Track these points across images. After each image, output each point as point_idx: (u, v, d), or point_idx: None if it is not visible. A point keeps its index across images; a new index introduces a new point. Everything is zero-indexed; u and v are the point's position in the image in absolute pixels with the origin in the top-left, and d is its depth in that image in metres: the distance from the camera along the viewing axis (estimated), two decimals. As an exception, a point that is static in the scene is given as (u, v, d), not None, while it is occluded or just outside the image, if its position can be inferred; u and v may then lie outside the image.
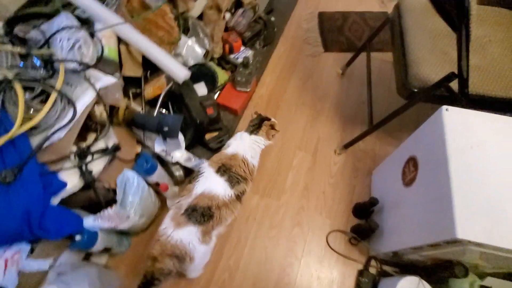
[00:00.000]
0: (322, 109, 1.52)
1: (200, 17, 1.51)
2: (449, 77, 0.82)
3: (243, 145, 1.04)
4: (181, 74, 1.17)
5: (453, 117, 0.80)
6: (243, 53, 1.59)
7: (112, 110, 1.14)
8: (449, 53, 0.96)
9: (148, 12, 1.27)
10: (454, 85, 0.85)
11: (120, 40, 1.19)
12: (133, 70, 1.21)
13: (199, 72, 1.39)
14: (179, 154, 1.19)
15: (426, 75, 0.92)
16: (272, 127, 1.10)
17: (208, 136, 1.33)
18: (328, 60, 1.71)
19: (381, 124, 1.10)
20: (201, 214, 0.87)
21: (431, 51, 0.97)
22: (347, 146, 1.33)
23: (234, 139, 1.08)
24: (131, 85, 1.29)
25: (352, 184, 1.31)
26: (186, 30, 1.46)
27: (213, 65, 1.49)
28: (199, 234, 0.86)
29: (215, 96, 1.47)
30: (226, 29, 1.62)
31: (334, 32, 1.82)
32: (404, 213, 0.92)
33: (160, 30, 1.37)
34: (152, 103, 1.27)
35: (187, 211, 0.87)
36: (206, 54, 1.48)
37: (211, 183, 0.92)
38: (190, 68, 1.38)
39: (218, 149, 1.34)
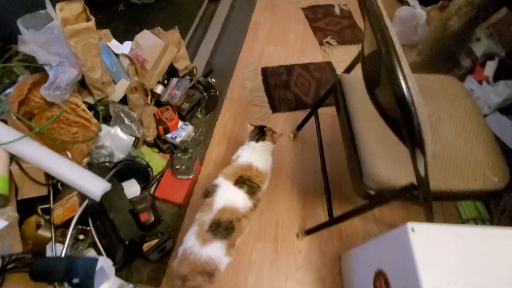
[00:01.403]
0: (277, 184, 1.37)
1: (125, 99, 1.30)
2: (409, 188, 0.71)
3: (254, 153, 1.08)
4: (98, 189, 0.95)
5: (421, 237, 0.68)
6: (182, 130, 1.40)
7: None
8: (400, 144, 0.86)
9: (54, 113, 1.04)
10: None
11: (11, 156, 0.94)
12: (33, 190, 0.96)
13: (128, 169, 1.17)
14: (107, 286, 0.95)
15: (382, 176, 0.81)
16: (273, 131, 1.17)
17: (146, 245, 1.10)
18: (278, 122, 1.59)
19: (342, 219, 0.96)
20: (225, 228, 0.89)
21: (382, 143, 0.87)
22: (309, 232, 1.18)
23: (243, 150, 1.10)
24: (38, 199, 1.04)
25: (322, 275, 1.15)
26: (108, 117, 1.25)
27: (145, 153, 1.28)
28: (225, 248, 0.88)
29: (153, 188, 1.25)
30: (160, 103, 1.43)
31: (281, 88, 1.72)
32: None
33: (72, 126, 1.14)
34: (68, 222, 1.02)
35: (211, 228, 0.88)
36: (136, 141, 1.27)
37: (231, 196, 0.94)
38: (116, 165, 1.15)
39: (160, 259, 1.12)
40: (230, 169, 1.03)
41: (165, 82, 1.48)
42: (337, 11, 2.19)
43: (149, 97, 1.26)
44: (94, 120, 1.16)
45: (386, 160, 0.83)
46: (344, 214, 0.94)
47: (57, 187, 1.05)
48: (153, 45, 1.32)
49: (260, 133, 1.14)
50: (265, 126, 1.18)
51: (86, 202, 0.95)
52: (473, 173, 0.82)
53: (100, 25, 2.00)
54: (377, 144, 0.87)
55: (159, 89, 1.45)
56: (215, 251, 0.86)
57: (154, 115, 1.35)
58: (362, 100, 0.97)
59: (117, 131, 1.20)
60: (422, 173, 0.64)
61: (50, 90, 1.02)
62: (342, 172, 1.41)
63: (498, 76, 1.32)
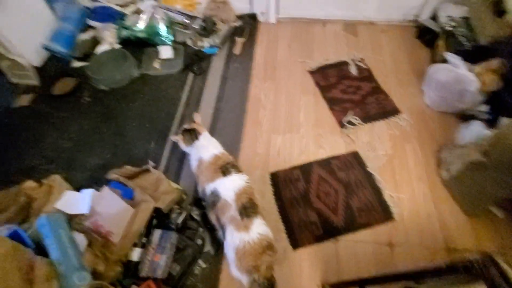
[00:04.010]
0: None
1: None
2: None
3: (207, 147, 1.16)
4: None
5: None
6: (173, 317, 0.99)
7: None
8: None
9: None
10: None
11: None
12: None
13: None
14: None
15: None
16: (195, 123, 1.26)
17: None
18: (302, 264, 1.17)
19: None
20: (251, 206, 0.99)
21: None
22: None
23: (199, 153, 1.15)
24: None
25: None
26: None
27: None
28: (262, 220, 1.00)
29: None
30: (137, 276, 1.02)
31: (299, 205, 1.30)
32: None
33: None
34: None
35: (242, 214, 0.96)
36: None
37: (231, 184, 1.03)
38: None
39: None
40: (207, 172, 1.09)
41: (144, 240, 1.07)
42: (353, 70, 1.76)
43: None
44: None
45: None
46: None
47: None
48: (117, 212, 0.92)
49: (191, 133, 1.21)
50: (186, 128, 1.24)
51: None
52: None
53: (59, 128, 1.60)
54: None
55: (135, 254, 1.04)
56: (259, 227, 0.95)
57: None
58: None
59: None
60: None
61: None
62: None
63: None
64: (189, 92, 1.72)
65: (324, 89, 1.69)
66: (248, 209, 0.97)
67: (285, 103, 1.65)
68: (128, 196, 1.10)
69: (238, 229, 0.94)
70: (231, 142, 1.49)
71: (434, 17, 1.92)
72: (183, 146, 1.23)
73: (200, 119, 1.27)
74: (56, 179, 1.08)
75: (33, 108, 1.68)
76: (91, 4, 1.99)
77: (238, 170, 1.08)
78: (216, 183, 1.04)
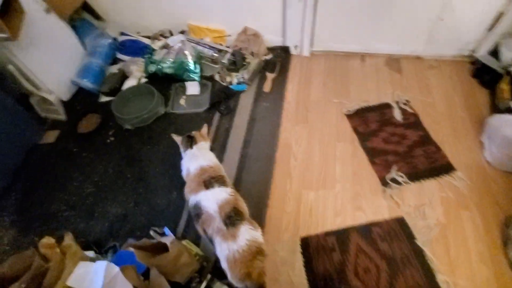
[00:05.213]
0: None
1: None
2: None
3: (197, 158, 1.17)
4: None
5: None
6: None
7: None
8: None
9: None
10: None
11: None
12: None
13: None
14: None
15: None
16: (199, 132, 1.29)
17: None
18: None
19: None
20: (235, 214, 0.99)
21: None
22: None
23: (187, 161, 1.20)
24: None
25: None
26: None
27: None
28: (250, 225, 0.99)
29: None
30: None
31: (333, 281, 1.13)
32: None
33: None
34: None
35: (227, 224, 0.96)
36: None
37: (214, 197, 1.03)
38: None
39: None
40: (192, 184, 1.11)
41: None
42: (397, 115, 1.57)
43: None
44: None
45: None
46: None
47: None
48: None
49: (189, 139, 1.23)
50: (190, 134, 1.27)
51: None
52: None
53: (83, 170, 1.51)
54: None
55: None
56: (246, 233, 0.95)
57: None
58: None
59: None
60: None
61: None
62: None
63: None
64: (214, 134, 1.61)
65: (363, 137, 1.51)
66: (232, 218, 0.97)
67: (318, 152, 1.49)
68: (141, 270, 1.01)
69: (226, 239, 0.94)
70: (258, 198, 1.35)
71: (494, 52, 1.68)
72: (181, 148, 1.26)
73: (206, 131, 1.30)
74: (72, 246, 1.01)
75: (59, 145, 1.65)
76: (120, 37, 1.96)
77: (224, 183, 1.08)
78: (199, 196, 1.05)
